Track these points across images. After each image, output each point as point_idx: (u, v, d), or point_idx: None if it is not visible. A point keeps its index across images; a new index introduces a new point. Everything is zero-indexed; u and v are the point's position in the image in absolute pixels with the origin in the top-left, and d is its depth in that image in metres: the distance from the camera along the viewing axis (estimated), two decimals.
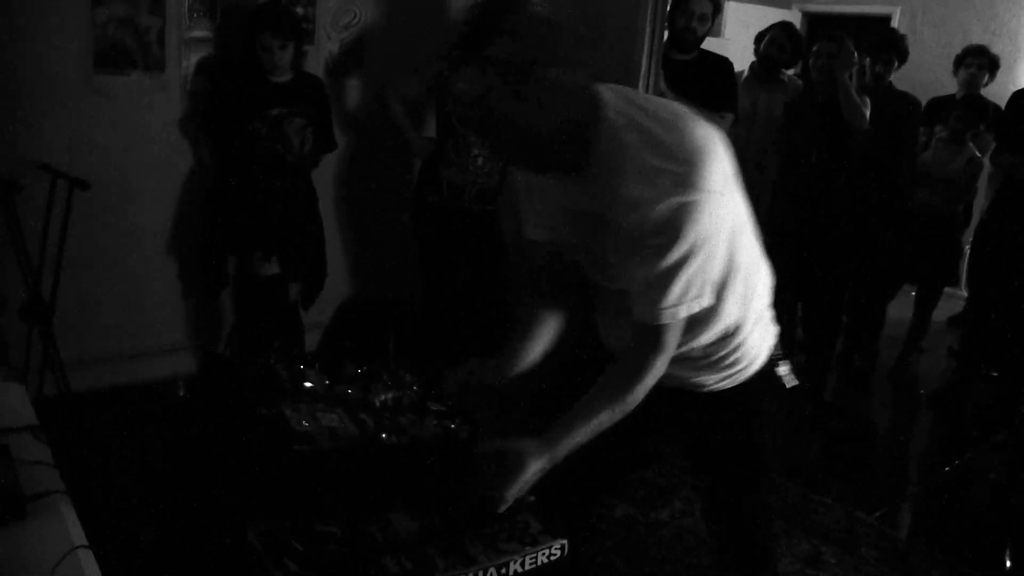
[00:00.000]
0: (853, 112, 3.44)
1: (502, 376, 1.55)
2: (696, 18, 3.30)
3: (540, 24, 1.26)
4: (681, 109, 1.34)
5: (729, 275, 1.40)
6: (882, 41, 3.87)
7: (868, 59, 3.87)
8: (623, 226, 1.31)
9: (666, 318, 1.32)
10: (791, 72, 4.34)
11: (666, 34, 3.38)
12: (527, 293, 1.62)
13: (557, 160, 1.34)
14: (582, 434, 1.36)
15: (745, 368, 1.55)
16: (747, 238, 1.45)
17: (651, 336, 1.35)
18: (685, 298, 1.31)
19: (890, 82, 3.90)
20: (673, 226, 1.25)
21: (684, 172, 1.24)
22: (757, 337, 1.55)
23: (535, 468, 1.31)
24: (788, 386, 1.63)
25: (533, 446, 1.32)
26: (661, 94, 3.29)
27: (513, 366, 1.56)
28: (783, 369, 1.61)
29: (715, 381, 1.54)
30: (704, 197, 1.24)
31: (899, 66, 3.87)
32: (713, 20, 3.40)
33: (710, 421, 1.60)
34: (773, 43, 4.03)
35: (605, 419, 1.36)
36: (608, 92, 1.34)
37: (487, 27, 1.24)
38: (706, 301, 1.34)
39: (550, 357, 1.60)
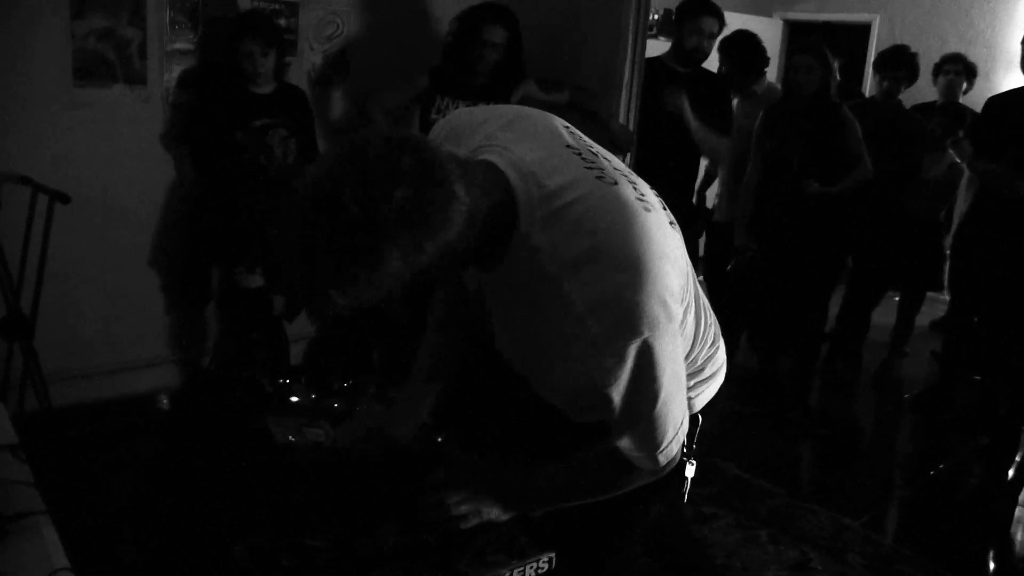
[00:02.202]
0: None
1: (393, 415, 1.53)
2: (706, 37, 3.36)
3: (417, 229, 0.95)
4: (628, 207, 1.09)
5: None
6: (891, 58, 3.92)
7: (877, 75, 3.93)
8: (541, 354, 1.17)
9: (652, 464, 1.21)
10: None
11: (654, 40, 3.43)
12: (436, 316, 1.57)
13: (468, 264, 1.19)
14: (550, 507, 1.33)
15: None
16: (692, 310, 1.28)
17: (653, 467, 1.23)
18: (664, 442, 1.18)
19: (899, 100, 3.96)
20: (613, 376, 1.08)
21: (618, 315, 1.05)
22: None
23: (493, 517, 1.29)
24: (682, 491, 1.46)
25: (492, 504, 1.30)
26: (661, 100, 3.33)
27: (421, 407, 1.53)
28: (690, 470, 1.42)
29: None
30: (646, 341, 1.06)
31: (909, 85, 3.93)
32: (718, 37, 3.46)
33: None
34: (729, 59, 4.02)
35: (575, 503, 1.31)
36: (523, 184, 1.09)
37: (354, 268, 0.96)
38: (687, 419, 1.22)
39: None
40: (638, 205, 1.11)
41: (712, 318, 1.40)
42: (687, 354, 1.30)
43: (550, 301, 1.08)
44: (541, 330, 1.13)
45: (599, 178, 1.12)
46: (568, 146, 1.18)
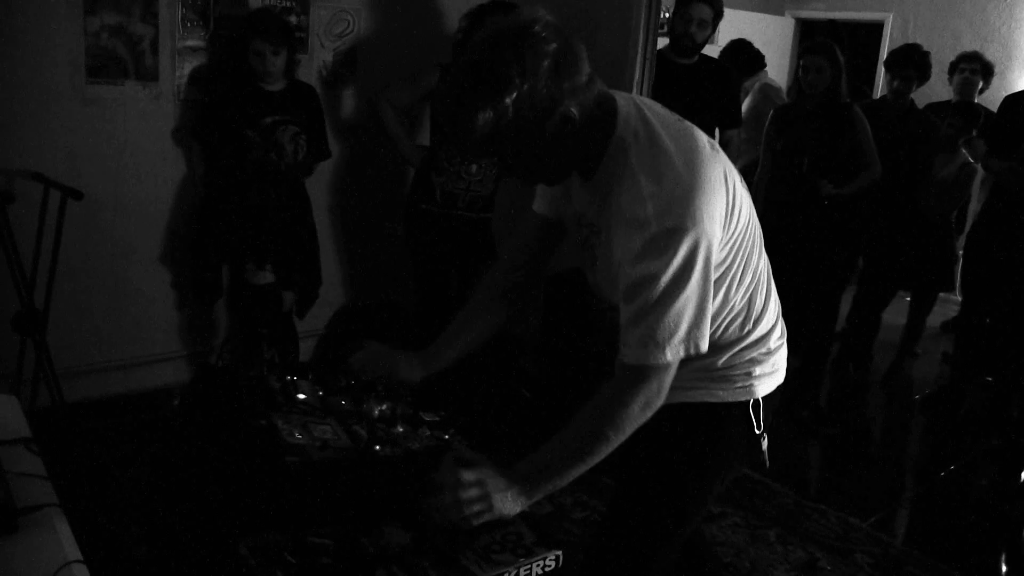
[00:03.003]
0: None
1: (421, 370, 1.58)
2: (695, 23, 3.33)
3: (555, 55, 1.21)
4: (696, 142, 1.32)
5: (731, 311, 1.39)
6: (902, 57, 3.90)
7: (888, 75, 3.91)
8: (612, 246, 1.31)
9: (652, 359, 1.26)
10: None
11: (665, 38, 3.41)
12: (484, 282, 1.63)
13: (568, 173, 1.37)
14: (563, 480, 1.31)
15: (747, 386, 1.47)
16: (750, 275, 1.40)
17: (638, 377, 1.27)
18: (674, 339, 1.25)
19: (912, 100, 3.93)
20: (655, 254, 1.22)
21: (671, 203, 1.23)
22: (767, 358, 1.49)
23: (506, 510, 1.27)
24: (762, 457, 1.53)
25: (505, 487, 1.27)
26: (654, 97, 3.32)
27: (445, 354, 1.59)
28: (764, 443, 1.51)
29: (714, 390, 1.46)
30: (687, 233, 1.22)
31: (920, 84, 3.90)
32: (714, 26, 3.43)
33: (670, 433, 1.44)
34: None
35: (586, 465, 1.30)
36: (626, 106, 1.33)
37: (501, 66, 1.19)
38: (703, 346, 1.28)
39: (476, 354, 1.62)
40: (708, 145, 1.34)
41: (782, 320, 1.54)
42: (758, 318, 1.44)
43: (628, 191, 1.27)
44: (616, 222, 1.29)
45: (679, 120, 1.38)
46: (655, 101, 1.43)
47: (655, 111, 1.36)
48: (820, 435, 3.63)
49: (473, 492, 1.27)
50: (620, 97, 1.34)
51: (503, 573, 1.28)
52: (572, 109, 1.23)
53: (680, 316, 1.25)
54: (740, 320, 1.42)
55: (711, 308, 1.29)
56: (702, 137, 1.35)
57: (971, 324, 3.88)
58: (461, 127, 1.22)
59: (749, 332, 1.44)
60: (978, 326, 3.80)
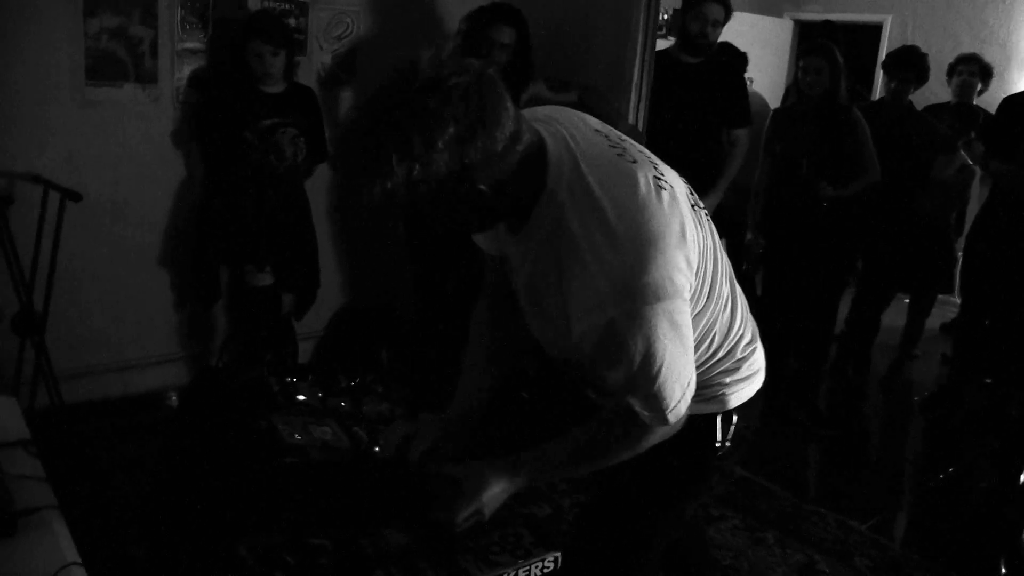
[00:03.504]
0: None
1: (448, 426, 1.49)
2: (710, 23, 3.34)
3: (456, 132, 1.07)
4: (637, 187, 1.18)
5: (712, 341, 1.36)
6: (898, 59, 3.90)
7: (886, 76, 3.91)
8: (551, 307, 1.23)
9: (672, 420, 1.24)
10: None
11: (665, 40, 3.41)
12: (474, 329, 1.56)
13: (491, 225, 1.28)
14: (548, 475, 1.32)
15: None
16: (715, 298, 1.33)
17: (644, 427, 1.26)
18: (672, 402, 1.22)
19: (910, 102, 3.93)
20: (622, 336, 1.15)
21: (626, 279, 1.13)
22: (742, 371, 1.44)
23: (495, 493, 1.27)
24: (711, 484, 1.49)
25: (496, 474, 1.28)
26: (657, 98, 3.32)
27: (465, 406, 1.50)
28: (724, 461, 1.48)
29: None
30: (651, 308, 1.13)
31: (918, 86, 3.90)
32: (723, 25, 3.44)
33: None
34: None
35: (584, 470, 1.32)
36: (558, 152, 1.20)
37: (385, 149, 1.07)
38: (693, 382, 1.26)
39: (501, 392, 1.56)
40: (653, 184, 1.20)
41: (751, 322, 1.45)
42: (718, 347, 1.37)
43: (569, 258, 1.17)
44: (560, 288, 1.19)
45: (619, 155, 1.23)
46: (596, 130, 1.29)
47: (591, 152, 1.22)
48: (819, 437, 3.63)
49: (471, 508, 1.28)
50: (552, 139, 1.20)
51: (502, 574, 1.28)
52: (480, 185, 1.12)
53: (672, 379, 1.21)
54: (707, 341, 1.37)
55: (692, 354, 1.26)
56: (641, 175, 1.21)
57: (970, 326, 3.88)
58: (362, 193, 1.11)
59: (718, 349, 1.39)
60: (977, 328, 3.80)
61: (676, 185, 1.25)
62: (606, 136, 1.28)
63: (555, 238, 1.18)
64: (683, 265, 1.18)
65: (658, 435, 1.28)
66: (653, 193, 1.19)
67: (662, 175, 1.24)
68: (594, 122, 1.31)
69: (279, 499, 1.38)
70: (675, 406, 1.23)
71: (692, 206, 1.27)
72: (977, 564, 2.74)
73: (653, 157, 1.30)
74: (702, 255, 1.25)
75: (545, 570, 1.32)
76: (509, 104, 1.12)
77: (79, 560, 1.23)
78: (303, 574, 1.22)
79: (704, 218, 1.31)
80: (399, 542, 1.30)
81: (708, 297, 1.30)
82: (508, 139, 1.11)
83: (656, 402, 1.22)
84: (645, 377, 1.19)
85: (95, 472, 2.65)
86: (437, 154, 1.06)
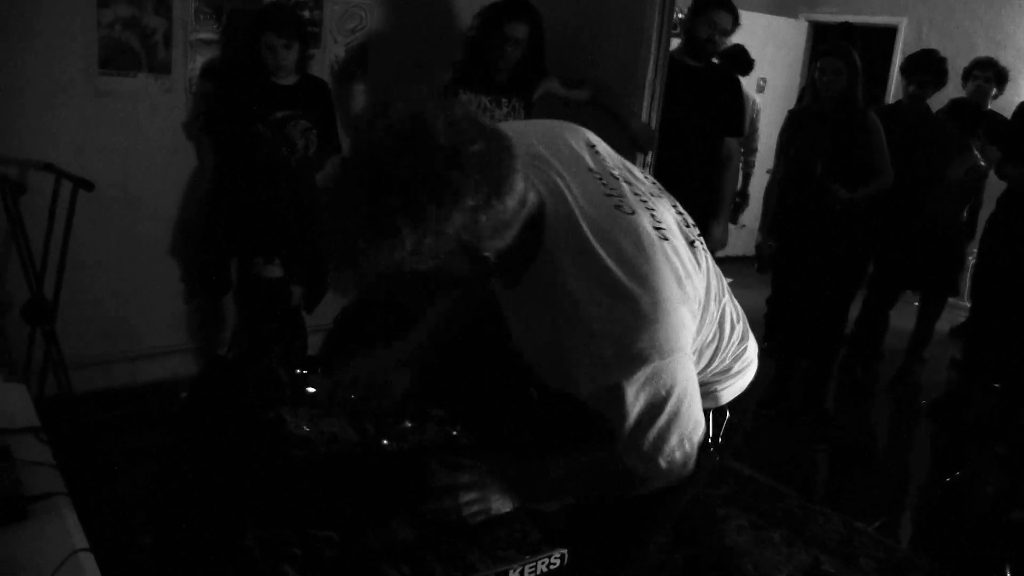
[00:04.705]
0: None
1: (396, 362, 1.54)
2: (718, 31, 3.34)
3: (474, 206, 1.01)
4: (640, 237, 1.15)
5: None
6: (916, 63, 3.88)
7: (904, 79, 3.89)
8: (555, 365, 1.20)
9: (659, 466, 1.23)
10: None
11: (675, 40, 3.40)
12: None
13: (485, 283, 1.28)
14: (551, 498, 1.35)
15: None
16: (709, 322, 1.30)
17: (647, 472, 1.25)
18: (672, 441, 1.21)
19: (927, 106, 3.91)
20: (624, 400, 1.14)
21: (632, 340, 1.10)
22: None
23: (503, 508, 1.31)
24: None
25: (500, 491, 1.31)
26: (668, 101, 3.31)
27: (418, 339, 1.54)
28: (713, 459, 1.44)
29: None
30: (656, 367, 1.12)
31: (936, 90, 3.88)
32: (731, 35, 3.44)
33: None
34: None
35: (572, 498, 1.34)
36: (554, 206, 1.15)
37: (398, 218, 0.99)
38: (697, 438, 1.24)
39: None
40: (655, 235, 1.17)
41: (741, 319, 1.44)
42: (711, 360, 1.36)
43: (568, 317, 1.13)
44: (557, 340, 1.16)
45: (618, 207, 1.18)
46: (590, 170, 1.23)
47: (589, 208, 1.16)
48: (826, 438, 3.62)
49: (471, 495, 1.32)
50: (549, 196, 1.15)
51: (508, 570, 1.28)
52: (486, 253, 1.08)
53: (670, 430, 1.20)
54: (698, 358, 1.34)
55: (699, 401, 1.24)
56: (642, 227, 1.17)
57: (980, 330, 3.86)
58: (346, 259, 1.03)
59: (711, 360, 1.38)
60: (987, 332, 3.78)
61: (671, 227, 1.22)
62: (600, 179, 1.22)
63: (550, 297, 1.15)
64: (688, 320, 1.17)
65: (660, 480, 1.27)
66: (657, 246, 1.15)
67: (660, 222, 1.20)
68: (590, 159, 1.25)
69: (286, 491, 1.38)
70: (668, 453, 1.22)
71: (690, 243, 1.25)
72: (983, 568, 2.73)
73: (646, 193, 1.26)
74: (702, 300, 1.23)
75: (552, 566, 1.32)
76: (518, 165, 1.07)
77: (87, 546, 1.23)
78: (309, 566, 1.23)
79: (700, 249, 1.28)
80: (406, 535, 1.30)
81: (700, 322, 1.27)
82: (517, 204, 1.08)
83: (652, 450, 1.21)
84: (642, 429, 1.18)
85: (103, 460, 2.66)
86: (451, 226, 1.01)
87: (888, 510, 3.02)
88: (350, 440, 1.50)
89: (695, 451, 1.25)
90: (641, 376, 1.12)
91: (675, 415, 1.18)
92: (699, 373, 1.34)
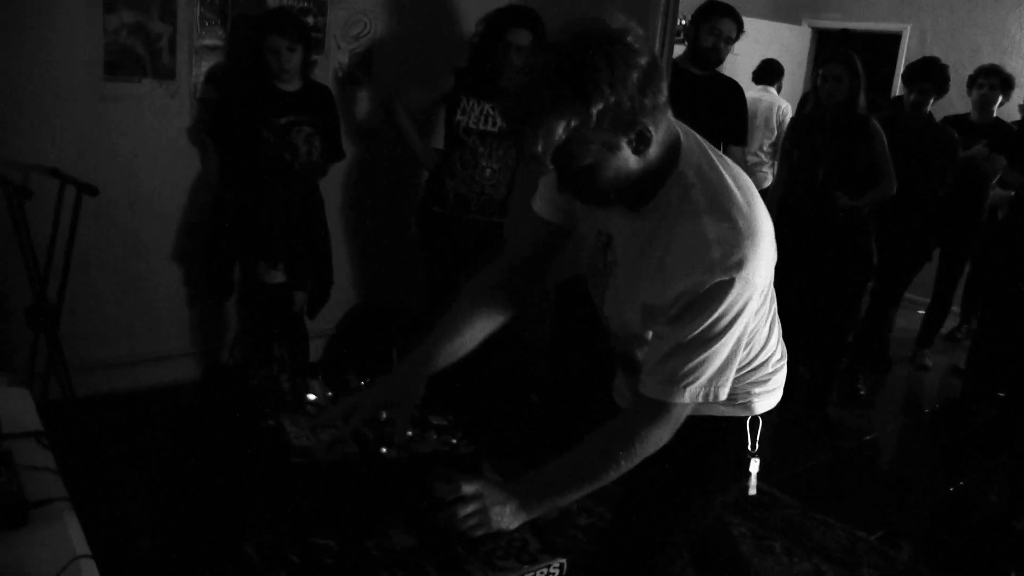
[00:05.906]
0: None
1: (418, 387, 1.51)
2: (723, 39, 3.34)
3: (644, 69, 1.14)
4: (751, 184, 1.31)
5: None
6: (918, 70, 3.88)
7: (905, 87, 3.89)
8: (640, 280, 1.28)
9: (677, 396, 1.27)
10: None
11: (678, 47, 3.41)
12: (478, 281, 1.56)
13: (621, 198, 1.29)
14: (563, 499, 1.36)
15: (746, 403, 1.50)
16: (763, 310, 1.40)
17: (653, 412, 1.29)
18: (699, 381, 1.26)
19: (930, 113, 3.91)
20: (704, 301, 1.21)
21: (736, 249, 1.20)
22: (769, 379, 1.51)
23: (503, 524, 1.32)
24: (747, 484, 1.54)
25: (503, 501, 1.32)
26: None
27: (433, 360, 1.53)
28: (754, 466, 1.52)
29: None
30: (740, 286, 1.20)
31: (938, 98, 3.88)
32: (735, 42, 3.45)
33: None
34: None
35: (589, 488, 1.33)
36: (687, 139, 1.29)
37: (591, 73, 1.11)
38: (722, 395, 1.29)
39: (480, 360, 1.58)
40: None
41: (783, 344, 1.53)
42: (761, 349, 1.45)
43: (686, 229, 1.23)
44: (665, 262, 1.25)
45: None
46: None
47: (711, 148, 1.32)
48: (828, 447, 3.61)
49: (471, 507, 1.32)
50: (679, 127, 1.29)
51: None
52: (650, 128, 1.18)
53: (708, 363, 1.25)
54: (749, 352, 1.43)
55: (739, 359, 1.31)
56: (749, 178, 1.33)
57: (984, 339, 3.85)
58: (537, 133, 1.14)
59: (754, 359, 1.45)
60: (991, 340, 3.77)
61: None
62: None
63: (677, 214, 1.24)
64: (772, 264, 1.27)
65: (659, 426, 1.29)
66: (764, 209, 1.28)
67: None
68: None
69: (286, 499, 1.38)
70: (694, 384, 1.26)
71: None
72: None
73: None
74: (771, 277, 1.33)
75: None
76: (664, 68, 1.23)
77: (89, 553, 1.23)
78: (308, 574, 1.23)
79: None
80: (405, 544, 1.30)
81: (760, 305, 1.34)
82: (666, 121, 1.22)
83: (685, 372, 1.25)
84: (694, 344, 1.24)
85: (105, 465, 2.66)
86: (626, 92, 1.12)
87: (890, 519, 3.01)
88: (350, 448, 1.50)
89: (709, 389, 1.28)
90: (735, 286, 1.19)
91: (724, 345, 1.25)
92: (740, 369, 1.39)
